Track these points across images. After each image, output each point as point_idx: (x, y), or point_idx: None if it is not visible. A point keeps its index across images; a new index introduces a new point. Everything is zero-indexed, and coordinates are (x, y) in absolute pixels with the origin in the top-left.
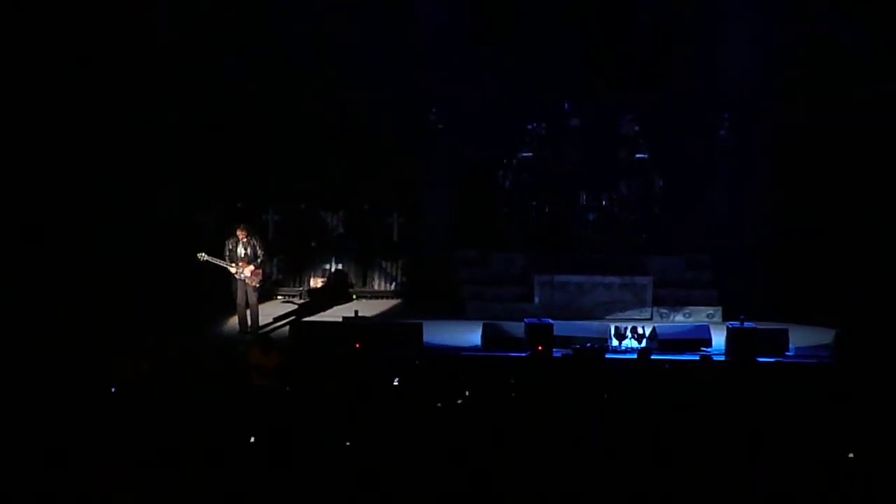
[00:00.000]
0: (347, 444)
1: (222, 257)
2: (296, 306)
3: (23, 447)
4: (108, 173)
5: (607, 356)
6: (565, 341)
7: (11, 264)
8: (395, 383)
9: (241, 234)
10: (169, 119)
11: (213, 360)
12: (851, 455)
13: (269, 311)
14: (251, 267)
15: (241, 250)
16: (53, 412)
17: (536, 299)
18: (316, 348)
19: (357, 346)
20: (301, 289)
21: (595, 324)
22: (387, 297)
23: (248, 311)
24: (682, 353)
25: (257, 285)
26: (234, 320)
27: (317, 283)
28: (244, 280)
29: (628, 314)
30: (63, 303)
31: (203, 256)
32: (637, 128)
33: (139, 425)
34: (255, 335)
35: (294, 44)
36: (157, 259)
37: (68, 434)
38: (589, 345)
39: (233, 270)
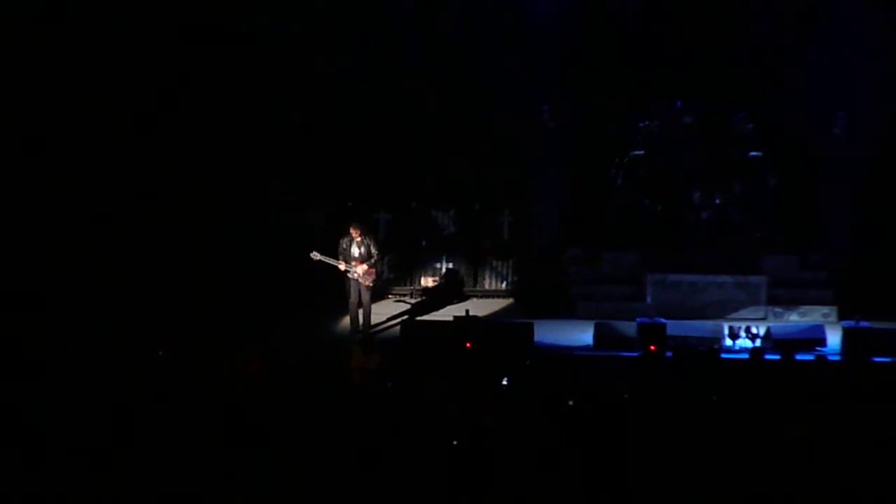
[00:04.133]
0: (455, 443)
1: (336, 256)
2: (408, 305)
3: (133, 447)
4: (221, 171)
5: (722, 356)
6: (678, 341)
7: (123, 262)
8: (504, 383)
9: (354, 233)
10: (282, 117)
11: (322, 361)
12: None
13: (381, 311)
14: (365, 266)
15: (354, 249)
16: (165, 411)
17: (649, 298)
18: (427, 347)
19: (468, 345)
20: (413, 287)
21: (709, 323)
22: (498, 297)
23: (361, 311)
24: (796, 352)
25: (370, 284)
26: (346, 319)
27: (428, 282)
28: (357, 279)
29: (742, 313)
30: (176, 303)
31: (316, 256)
32: (750, 126)
33: (251, 425)
34: (359, 337)
35: (407, 42)
36: (269, 258)
37: (183, 433)
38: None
39: (346, 269)
